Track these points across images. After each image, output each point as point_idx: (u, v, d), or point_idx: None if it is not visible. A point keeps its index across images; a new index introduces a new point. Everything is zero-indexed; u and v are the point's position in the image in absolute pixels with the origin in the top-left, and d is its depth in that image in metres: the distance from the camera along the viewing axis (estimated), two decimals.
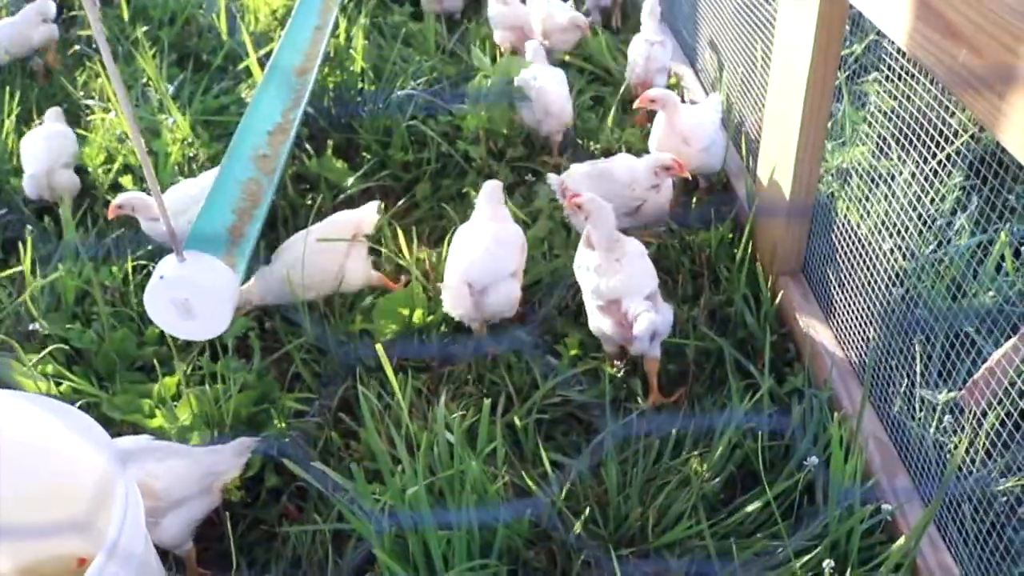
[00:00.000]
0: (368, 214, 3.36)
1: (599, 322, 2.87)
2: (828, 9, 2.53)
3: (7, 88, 4.72)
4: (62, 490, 2.13)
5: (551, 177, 3.34)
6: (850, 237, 2.80)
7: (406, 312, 3.14)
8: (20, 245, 3.58)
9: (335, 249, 3.21)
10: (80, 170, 4.16)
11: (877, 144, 3.01)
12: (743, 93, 3.68)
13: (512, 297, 3.02)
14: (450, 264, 3.06)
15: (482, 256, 2.99)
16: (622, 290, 2.80)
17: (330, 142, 4.09)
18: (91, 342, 3.20)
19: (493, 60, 4.57)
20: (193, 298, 2.72)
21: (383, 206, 3.77)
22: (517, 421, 2.73)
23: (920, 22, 1.98)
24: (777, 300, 3.06)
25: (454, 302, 3.00)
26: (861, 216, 2.88)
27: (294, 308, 3.13)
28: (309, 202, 3.87)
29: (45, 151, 3.98)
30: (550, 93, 3.80)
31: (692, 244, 3.40)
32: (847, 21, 2.60)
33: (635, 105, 3.64)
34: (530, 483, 2.53)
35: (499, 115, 3.86)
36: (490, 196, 3.22)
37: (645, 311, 2.71)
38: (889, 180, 2.79)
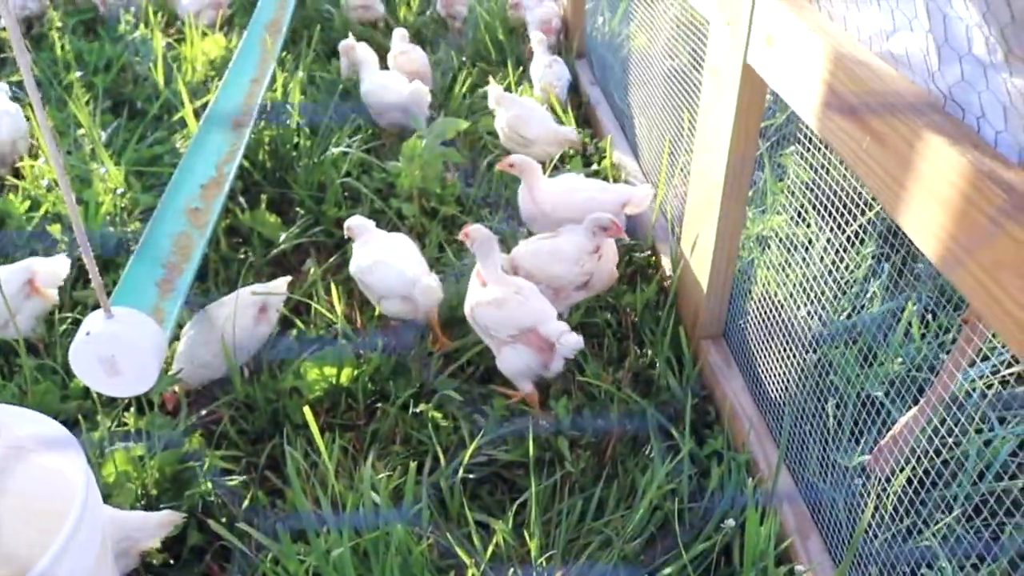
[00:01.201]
0: (277, 290, 3.36)
1: (513, 356, 2.99)
2: (748, 88, 2.66)
3: None
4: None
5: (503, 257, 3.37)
6: (769, 303, 2.91)
7: (334, 370, 3.16)
8: None
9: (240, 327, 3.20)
10: (2, 216, 4.12)
11: (796, 213, 3.15)
12: (671, 160, 3.80)
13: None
14: (400, 272, 3.27)
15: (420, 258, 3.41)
16: (538, 316, 2.96)
17: (264, 196, 4.10)
18: (12, 396, 3.15)
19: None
20: (120, 355, 2.70)
21: (317, 263, 3.81)
22: (443, 482, 2.76)
23: (829, 108, 2.10)
24: (699, 364, 3.16)
25: (429, 298, 3.23)
26: (779, 283, 3.00)
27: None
28: (242, 256, 3.88)
29: (7, 123, 4.49)
30: None
31: (618, 305, 3.48)
32: (767, 96, 2.73)
33: (497, 167, 3.82)
34: (455, 544, 2.56)
35: (433, 175, 3.92)
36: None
37: (567, 331, 2.91)
38: (806, 248, 2.92)
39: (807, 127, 2.71)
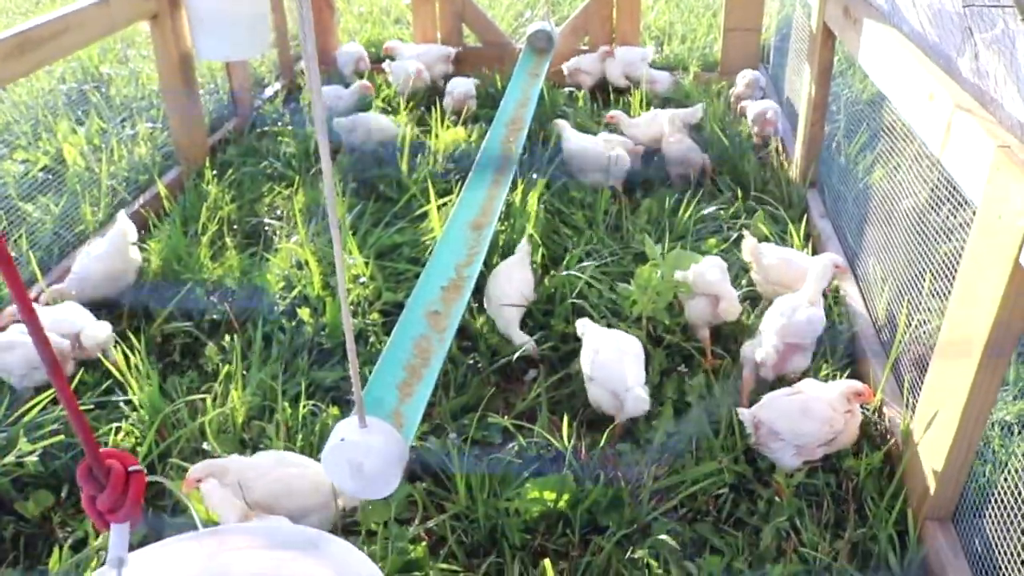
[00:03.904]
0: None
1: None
2: (1015, 288, 2.59)
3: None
4: None
5: (742, 412, 3.44)
6: (1008, 495, 2.80)
7: (553, 495, 3.26)
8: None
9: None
10: (258, 292, 4.49)
11: None
12: (908, 320, 3.72)
13: None
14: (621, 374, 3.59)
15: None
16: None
17: None
18: None
19: None
20: (367, 462, 2.90)
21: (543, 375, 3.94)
22: None
23: None
24: (924, 547, 3.06)
25: (635, 408, 3.53)
26: (1020, 473, 2.88)
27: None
28: (471, 360, 4.07)
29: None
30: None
31: (840, 468, 3.43)
32: None
33: None
34: None
35: (663, 304, 4.00)
36: None
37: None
38: None
39: None
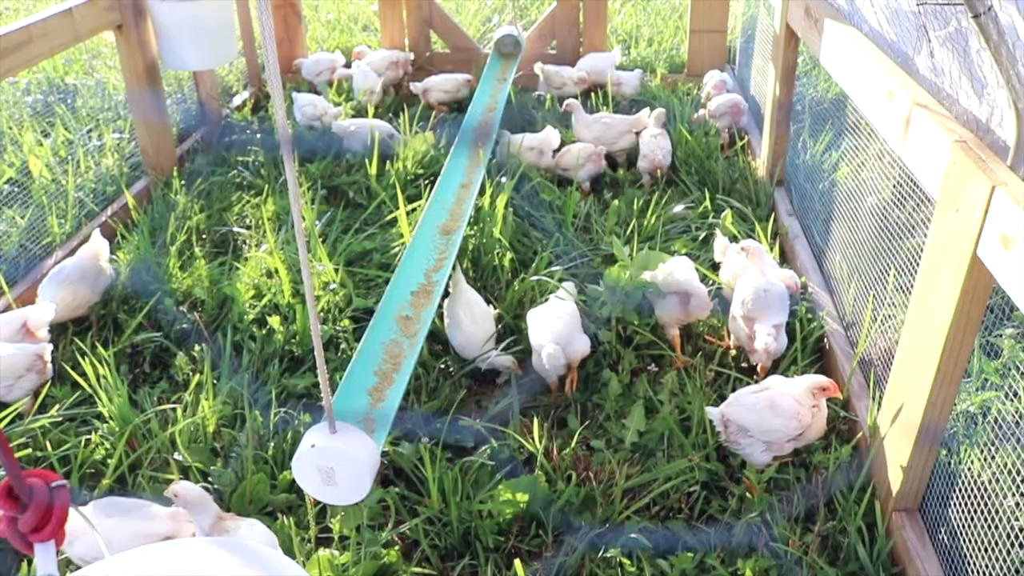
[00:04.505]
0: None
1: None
2: (974, 279, 2.63)
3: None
4: None
5: (711, 411, 3.47)
6: (972, 484, 2.84)
7: (526, 497, 3.27)
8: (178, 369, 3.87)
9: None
10: (228, 301, 4.47)
11: (1011, 392, 3.07)
12: (874, 313, 3.77)
13: None
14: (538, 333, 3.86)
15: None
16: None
17: None
18: (229, 481, 3.40)
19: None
20: (339, 468, 2.90)
21: (515, 377, 3.94)
22: None
23: None
24: (892, 538, 3.10)
25: (549, 362, 3.72)
26: (983, 463, 2.93)
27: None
28: (442, 365, 4.08)
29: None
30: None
31: (809, 462, 3.47)
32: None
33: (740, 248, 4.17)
34: None
35: (632, 305, 4.02)
36: None
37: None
38: (1016, 424, 2.84)
39: None
